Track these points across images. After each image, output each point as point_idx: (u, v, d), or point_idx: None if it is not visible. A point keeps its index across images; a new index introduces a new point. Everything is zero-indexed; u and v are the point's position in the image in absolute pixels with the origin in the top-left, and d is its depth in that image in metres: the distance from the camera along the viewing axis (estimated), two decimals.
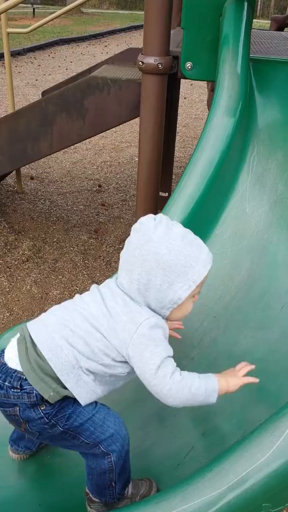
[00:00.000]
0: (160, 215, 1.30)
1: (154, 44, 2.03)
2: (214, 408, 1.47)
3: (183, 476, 1.29)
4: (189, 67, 2.11)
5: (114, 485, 1.34)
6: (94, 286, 1.37)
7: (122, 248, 1.27)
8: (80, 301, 1.34)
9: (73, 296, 1.38)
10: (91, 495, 1.38)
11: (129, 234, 1.29)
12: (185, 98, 8.01)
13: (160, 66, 2.04)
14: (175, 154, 4.18)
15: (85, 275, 3.11)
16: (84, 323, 1.27)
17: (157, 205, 2.47)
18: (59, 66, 10.24)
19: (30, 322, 1.34)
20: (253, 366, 1.34)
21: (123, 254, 1.30)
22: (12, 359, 1.27)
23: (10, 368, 1.26)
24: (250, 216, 1.89)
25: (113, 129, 4.79)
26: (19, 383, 1.24)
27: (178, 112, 3.93)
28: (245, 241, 1.84)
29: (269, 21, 6.89)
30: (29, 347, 1.26)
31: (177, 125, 3.92)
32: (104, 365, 1.26)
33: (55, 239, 3.53)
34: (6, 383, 1.24)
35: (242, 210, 1.91)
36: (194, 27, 2.03)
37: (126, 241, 1.29)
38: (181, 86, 2.69)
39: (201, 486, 1.18)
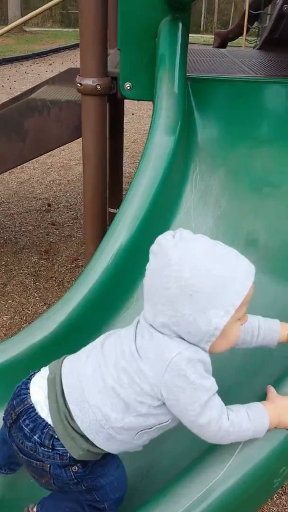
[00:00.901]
0: (180, 230, 1.10)
1: (91, 65, 2.04)
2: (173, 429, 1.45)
3: (140, 502, 1.27)
4: (128, 88, 2.13)
5: None
6: (138, 317, 1.20)
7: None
8: (117, 336, 1.19)
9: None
10: None
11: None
12: (133, 114, 8.10)
13: (98, 87, 2.04)
14: (125, 170, 4.20)
15: (37, 298, 3.04)
16: (115, 366, 1.12)
17: (106, 223, 2.46)
18: (3, 86, 10.12)
19: (67, 359, 1.22)
20: None
21: (145, 283, 1.12)
22: (41, 406, 1.16)
23: (40, 418, 1.16)
24: (195, 232, 1.89)
25: (61, 147, 4.79)
26: (51, 442, 1.14)
27: (127, 128, 3.96)
28: None
29: (213, 36, 7.10)
30: (58, 395, 1.15)
31: (126, 141, 3.96)
32: (142, 415, 1.11)
33: (3, 263, 3.44)
34: (36, 437, 1.14)
35: (188, 227, 1.91)
36: (130, 48, 2.06)
37: (146, 267, 1.12)
38: (128, 102, 2.71)
39: None
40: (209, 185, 2.00)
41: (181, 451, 1.52)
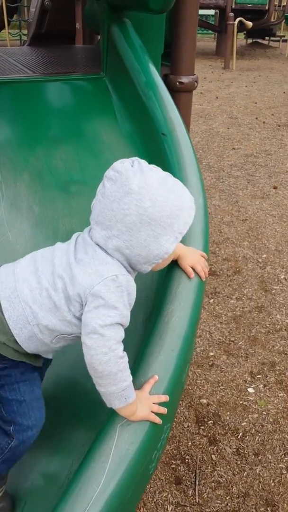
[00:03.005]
0: (136, 159, 1.15)
1: None
2: (38, 446, 1.38)
3: None
4: None
5: None
6: (75, 234, 1.27)
7: None
8: (58, 247, 1.25)
9: None
10: None
11: None
12: None
13: None
14: None
15: None
16: (51, 273, 1.18)
17: None
18: None
19: (4, 266, 1.26)
20: (167, 397, 1.25)
21: (95, 206, 1.16)
22: None
23: None
24: (14, 243, 1.82)
25: None
26: None
27: None
28: None
29: None
30: None
31: None
32: (65, 321, 1.18)
33: None
34: None
35: (5, 239, 1.83)
36: None
37: (98, 192, 1.16)
38: None
39: None
40: (17, 192, 1.93)
41: (56, 471, 1.45)
